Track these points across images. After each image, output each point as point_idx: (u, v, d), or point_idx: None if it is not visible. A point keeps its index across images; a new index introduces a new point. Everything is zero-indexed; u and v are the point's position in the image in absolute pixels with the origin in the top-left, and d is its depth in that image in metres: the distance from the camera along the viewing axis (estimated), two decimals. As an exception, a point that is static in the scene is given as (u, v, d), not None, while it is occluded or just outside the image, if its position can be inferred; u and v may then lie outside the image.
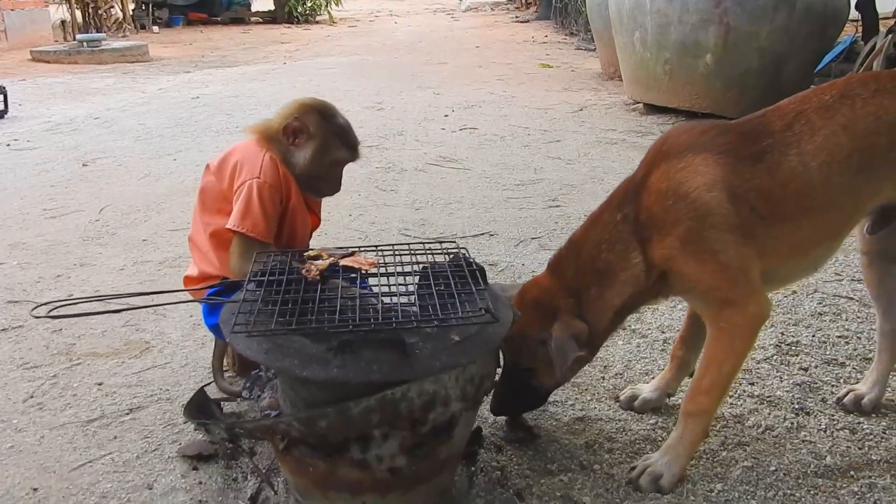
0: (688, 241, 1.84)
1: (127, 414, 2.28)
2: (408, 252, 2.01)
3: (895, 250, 2.19)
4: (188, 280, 2.31)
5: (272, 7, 18.41)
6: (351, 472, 1.71)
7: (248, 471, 2.00)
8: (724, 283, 1.87)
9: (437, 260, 1.97)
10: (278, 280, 1.81)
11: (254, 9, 19.02)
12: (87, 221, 4.09)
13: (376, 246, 2.03)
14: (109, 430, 2.20)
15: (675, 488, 1.95)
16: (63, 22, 13.76)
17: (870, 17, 6.72)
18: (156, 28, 15.93)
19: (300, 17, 17.86)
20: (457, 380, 1.66)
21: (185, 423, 2.19)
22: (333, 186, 2.32)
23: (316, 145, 2.23)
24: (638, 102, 6.90)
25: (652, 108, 6.66)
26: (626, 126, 6.28)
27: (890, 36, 5.94)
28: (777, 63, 6.04)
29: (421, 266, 1.96)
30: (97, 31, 13.23)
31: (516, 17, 18.17)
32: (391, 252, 2.01)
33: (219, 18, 17.77)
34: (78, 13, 13.91)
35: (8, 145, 5.90)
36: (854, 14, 6.76)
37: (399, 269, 1.95)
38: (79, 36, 12.11)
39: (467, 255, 1.95)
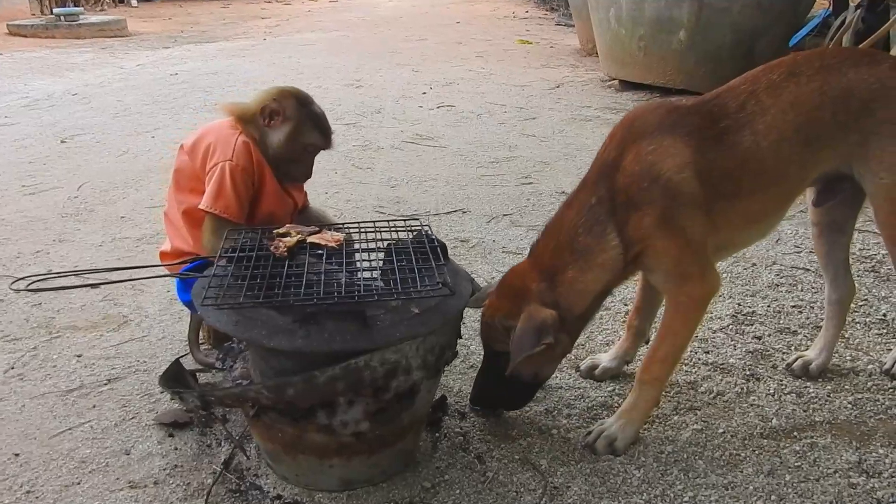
0: (661, 221, 1.91)
1: (105, 384, 2.37)
2: (373, 230, 2.10)
3: (842, 221, 2.32)
4: (163, 255, 2.41)
5: (252, -20, 18.22)
6: (318, 437, 1.81)
7: (221, 437, 2.10)
8: (687, 258, 1.96)
9: (401, 237, 2.07)
10: (248, 256, 1.90)
11: (234, -18, 18.81)
12: (65, 198, 4.14)
13: (343, 224, 2.12)
14: (88, 399, 2.29)
15: (628, 450, 2.06)
16: (40, -5, 13.59)
17: (840, -8, 6.80)
18: (134, 2, 15.72)
19: (281, -9, 17.70)
20: (417, 349, 1.76)
21: (161, 392, 2.28)
22: (304, 172, 2.40)
23: (290, 127, 2.32)
24: (613, 79, 6.97)
25: (627, 85, 6.74)
26: (601, 103, 6.36)
27: (858, 11, 6.04)
28: (750, 38, 6.12)
29: (385, 243, 2.05)
30: (74, 5, 13.06)
31: (498, -9, 18.08)
32: (357, 230, 2.10)
33: (199, -8, 17.58)
34: (55, -14, 13.74)
35: (-14, 121, 5.92)
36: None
37: (365, 245, 2.04)
38: (56, 10, 11.97)
39: (430, 232, 2.04)
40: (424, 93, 6.87)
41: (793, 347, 2.58)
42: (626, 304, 2.86)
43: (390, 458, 1.92)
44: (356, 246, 2.03)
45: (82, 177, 4.52)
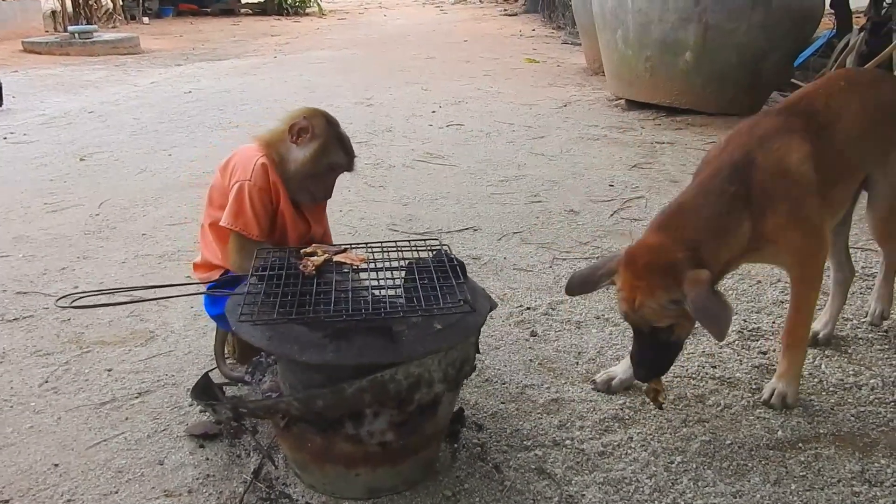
0: (793, 210, 2.22)
1: (136, 397, 2.47)
2: (395, 249, 2.21)
3: (846, 215, 2.69)
4: (196, 266, 2.54)
5: (262, -2, 18.49)
6: (345, 447, 1.91)
7: (250, 448, 2.19)
8: (812, 240, 2.29)
9: (421, 256, 2.17)
10: (278, 274, 2.00)
11: (244, 0, 19.05)
12: (87, 216, 4.25)
13: (367, 243, 2.23)
14: (121, 412, 2.39)
15: (797, 403, 2.38)
16: (54, 12, 13.81)
17: (843, 15, 6.94)
18: (146, 19, 15.98)
19: (290, 9, 17.94)
20: (439, 363, 1.86)
21: (190, 405, 2.38)
22: (325, 191, 2.47)
23: (317, 145, 2.38)
24: (620, 98, 7.08)
25: (633, 104, 6.85)
26: (608, 122, 6.47)
27: (862, 34, 6.17)
28: (755, 59, 6.23)
29: (407, 262, 2.16)
30: (87, 22, 13.30)
31: (504, 10, 18.30)
32: (380, 249, 2.21)
33: (209, 9, 17.83)
34: (69, 3, 13.96)
35: (5, 138, 6.06)
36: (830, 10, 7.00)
37: (388, 264, 2.14)
38: (70, 27, 12.19)
39: (449, 251, 2.14)
40: (434, 111, 6.99)
41: (797, 362, 2.67)
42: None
43: (413, 467, 2.02)
44: (381, 265, 2.14)
45: (103, 194, 4.63)
